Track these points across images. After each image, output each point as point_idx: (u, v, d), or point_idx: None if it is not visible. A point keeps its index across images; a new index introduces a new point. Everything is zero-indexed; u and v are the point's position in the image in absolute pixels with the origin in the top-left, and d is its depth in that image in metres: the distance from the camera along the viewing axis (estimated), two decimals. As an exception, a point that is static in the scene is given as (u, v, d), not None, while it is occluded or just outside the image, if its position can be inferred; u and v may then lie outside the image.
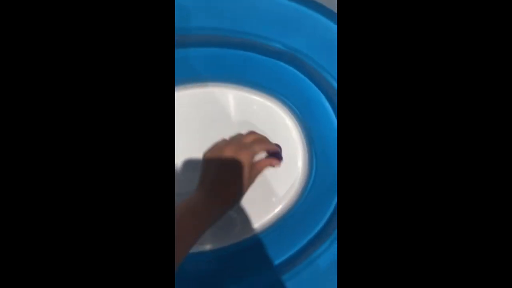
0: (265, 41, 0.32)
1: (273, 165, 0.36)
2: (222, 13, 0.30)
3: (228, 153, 0.33)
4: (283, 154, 0.37)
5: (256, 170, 0.35)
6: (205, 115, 0.36)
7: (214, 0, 0.30)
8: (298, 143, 0.38)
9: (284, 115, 0.37)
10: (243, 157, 0.33)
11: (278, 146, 0.37)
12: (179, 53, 0.31)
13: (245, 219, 0.37)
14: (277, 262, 0.36)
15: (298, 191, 0.38)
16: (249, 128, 0.37)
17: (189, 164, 0.37)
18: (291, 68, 0.34)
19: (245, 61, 0.34)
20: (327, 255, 0.34)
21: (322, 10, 0.30)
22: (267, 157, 0.36)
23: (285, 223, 0.37)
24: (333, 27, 0.30)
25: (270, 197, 0.38)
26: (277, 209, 0.38)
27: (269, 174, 0.37)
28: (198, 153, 0.35)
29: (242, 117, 0.37)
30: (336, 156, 0.35)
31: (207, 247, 0.37)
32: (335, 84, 0.33)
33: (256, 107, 0.37)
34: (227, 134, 0.37)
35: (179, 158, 0.36)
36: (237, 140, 0.35)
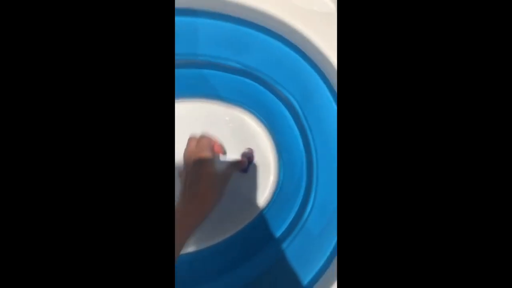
0: (223, 61, 0.37)
1: (244, 169, 0.40)
2: (185, 41, 0.36)
3: (190, 159, 0.35)
4: (256, 154, 0.42)
5: (226, 166, 0.36)
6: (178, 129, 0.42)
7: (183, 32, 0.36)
8: (267, 143, 0.42)
9: (253, 122, 0.42)
10: (205, 160, 0.34)
11: (250, 149, 0.42)
12: None
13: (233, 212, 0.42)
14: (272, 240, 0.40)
15: (273, 182, 0.42)
16: (223, 138, 0.42)
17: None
18: (250, 82, 0.39)
19: (208, 78, 0.39)
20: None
21: (268, 32, 0.35)
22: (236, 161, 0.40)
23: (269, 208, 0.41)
24: (278, 45, 0.35)
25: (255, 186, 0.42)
26: (264, 196, 0.42)
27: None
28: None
29: (213, 128, 0.42)
30: (298, 150, 0.40)
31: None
32: (286, 93, 0.38)
33: (228, 118, 0.42)
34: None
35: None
36: (192, 149, 0.36)
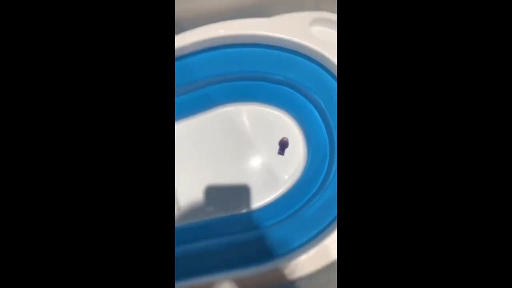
0: (269, 75, 0.54)
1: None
2: (248, 62, 0.54)
3: None
4: (290, 145, 0.57)
5: None
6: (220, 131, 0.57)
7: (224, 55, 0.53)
8: (299, 138, 0.58)
9: (287, 118, 0.58)
10: None
11: (286, 137, 0.58)
12: (203, 91, 0.55)
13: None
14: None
15: (303, 160, 0.57)
16: (267, 131, 0.58)
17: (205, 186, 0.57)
18: (287, 89, 0.56)
19: (255, 87, 0.56)
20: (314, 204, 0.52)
21: (300, 54, 0.52)
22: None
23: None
24: (306, 62, 0.52)
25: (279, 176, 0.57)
26: (297, 171, 0.57)
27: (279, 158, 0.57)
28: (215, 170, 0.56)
29: (256, 127, 0.58)
30: (322, 135, 0.55)
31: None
32: (314, 94, 0.54)
33: (271, 117, 0.58)
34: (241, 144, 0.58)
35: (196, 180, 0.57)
36: None
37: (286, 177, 0.57)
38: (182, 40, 0.48)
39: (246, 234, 0.53)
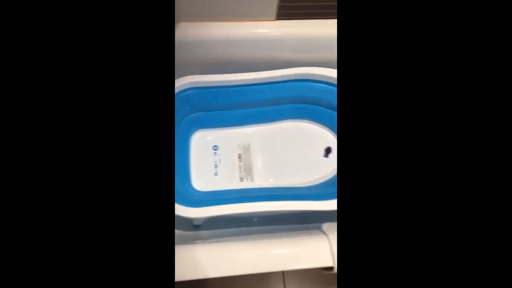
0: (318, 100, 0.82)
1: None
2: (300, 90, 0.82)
3: None
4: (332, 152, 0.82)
5: None
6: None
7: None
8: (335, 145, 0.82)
9: (330, 134, 0.83)
10: None
11: (330, 146, 0.82)
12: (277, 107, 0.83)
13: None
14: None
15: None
16: (318, 143, 0.83)
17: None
18: (329, 111, 0.82)
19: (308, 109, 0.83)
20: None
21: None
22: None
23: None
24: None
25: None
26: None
27: (323, 159, 0.81)
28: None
29: (309, 136, 0.84)
30: None
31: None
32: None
33: (318, 134, 0.84)
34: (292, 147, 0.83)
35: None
36: None
37: (329, 171, 0.80)
38: (276, 73, 0.76)
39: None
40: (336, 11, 0.65)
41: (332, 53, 0.70)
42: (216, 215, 0.60)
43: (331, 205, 0.62)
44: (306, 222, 0.70)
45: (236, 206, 0.61)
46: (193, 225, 0.72)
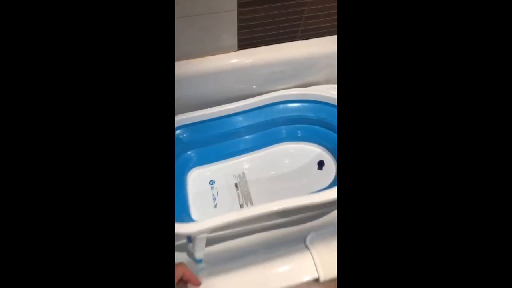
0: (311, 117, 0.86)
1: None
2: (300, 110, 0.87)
3: None
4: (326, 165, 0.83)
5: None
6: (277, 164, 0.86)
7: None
8: (329, 157, 0.84)
9: (323, 152, 0.85)
10: None
11: (322, 160, 0.83)
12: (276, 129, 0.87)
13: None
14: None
15: (333, 174, 0.81)
16: (311, 158, 0.84)
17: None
18: (323, 129, 0.86)
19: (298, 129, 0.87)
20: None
21: (328, 103, 0.84)
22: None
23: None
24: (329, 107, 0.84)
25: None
26: (329, 180, 0.79)
27: (318, 173, 0.81)
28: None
29: (305, 154, 0.86)
30: None
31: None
32: (336, 126, 0.84)
33: (312, 152, 0.86)
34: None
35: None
36: None
37: (329, 181, 0.80)
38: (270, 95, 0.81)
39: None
40: (291, 36, 0.75)
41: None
42: (215, 225, 0.59)
43: (332, 193, 0.61)
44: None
45: (235, 213, 0.60)
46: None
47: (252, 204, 0.78)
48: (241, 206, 0.78)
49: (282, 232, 0.73)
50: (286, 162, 0.85)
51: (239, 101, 0.79)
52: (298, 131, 0.87)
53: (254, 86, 0.81)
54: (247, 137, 0.86)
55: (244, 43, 0.73)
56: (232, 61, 0.74)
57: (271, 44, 0.76)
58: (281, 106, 0.84)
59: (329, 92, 0.81)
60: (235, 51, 0.74)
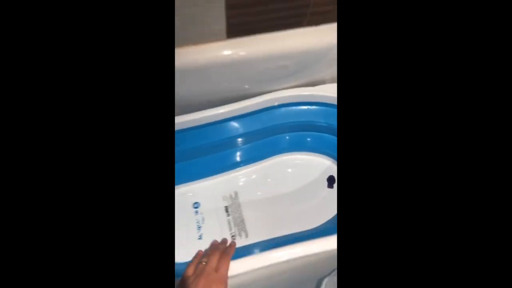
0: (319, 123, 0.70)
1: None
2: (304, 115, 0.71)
3: None
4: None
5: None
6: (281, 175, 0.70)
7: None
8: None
9: (327, 161, 0.70)
10: None
11: (332, 175, 0.67)
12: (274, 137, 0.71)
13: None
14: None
15: None
16: (319, 172, 0.68)
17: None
18: (328, 136, 0.70)
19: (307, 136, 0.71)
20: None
21: (331, 106, 0.68)
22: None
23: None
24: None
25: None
26: None
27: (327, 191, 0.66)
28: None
29: (309, 166, 0.70)
30: None
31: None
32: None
33: (318, 164, 0.70)
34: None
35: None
36: (203, 271, 0.39)
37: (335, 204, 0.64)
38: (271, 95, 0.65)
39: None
40: (297, 20, 0.59)
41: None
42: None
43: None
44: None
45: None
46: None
47: (246, 235, 0.62)
48: (233, 237, 0.62)
49: (289, 277, 0.57)
50: (289, 178, 0.69)
51: (230, 104, 0.63)
52: (306, 139, 0.71)
53: (247, 86, 0.64)
54: (240, 147, 0.69)
55: (236, 28, 0.56)
56: (221, 53, 0.57)
57: (270, 32, 0.59)
58: (283, 109, 0.67)
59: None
60: (224, 39, 0.57)
